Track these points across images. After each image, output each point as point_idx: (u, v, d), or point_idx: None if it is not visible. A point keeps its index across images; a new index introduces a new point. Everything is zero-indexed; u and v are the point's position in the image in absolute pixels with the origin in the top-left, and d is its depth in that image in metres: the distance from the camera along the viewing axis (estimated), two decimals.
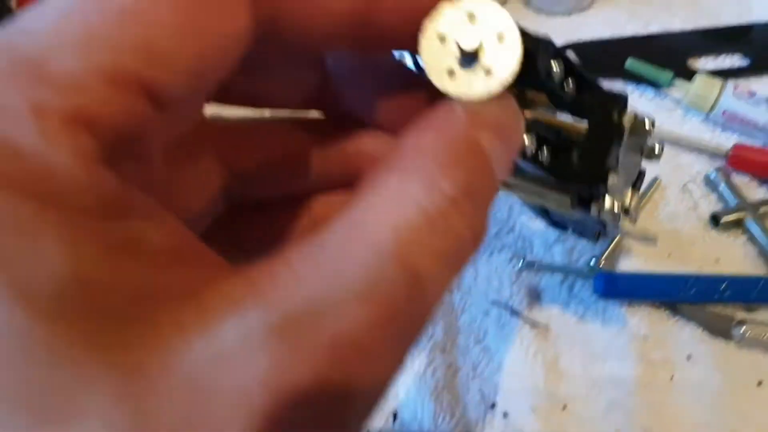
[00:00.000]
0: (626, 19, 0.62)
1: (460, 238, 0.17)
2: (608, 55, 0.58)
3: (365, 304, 0.15)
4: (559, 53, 0.21)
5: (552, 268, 0.46)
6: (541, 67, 0.20)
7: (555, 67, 0.22)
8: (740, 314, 0.45)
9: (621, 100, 0.26)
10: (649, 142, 0.31)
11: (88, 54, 0.15)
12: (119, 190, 0.15)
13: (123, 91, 0.16)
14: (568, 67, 0.23)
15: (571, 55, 0.33)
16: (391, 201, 0.17)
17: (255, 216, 0.25)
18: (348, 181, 0.24)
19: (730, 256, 0.48)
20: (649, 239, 0.42)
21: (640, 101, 0.56)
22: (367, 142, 0.24)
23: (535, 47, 0.19)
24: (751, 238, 0.48)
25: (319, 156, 0.24)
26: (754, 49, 0.60)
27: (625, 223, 0.31)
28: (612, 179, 0.26)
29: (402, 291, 0.16)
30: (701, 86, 0.54)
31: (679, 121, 0.55)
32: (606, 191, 0.27)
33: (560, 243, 0.47)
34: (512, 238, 0.48)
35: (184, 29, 0.16)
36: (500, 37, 0.19)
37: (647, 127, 0.29)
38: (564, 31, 0.61)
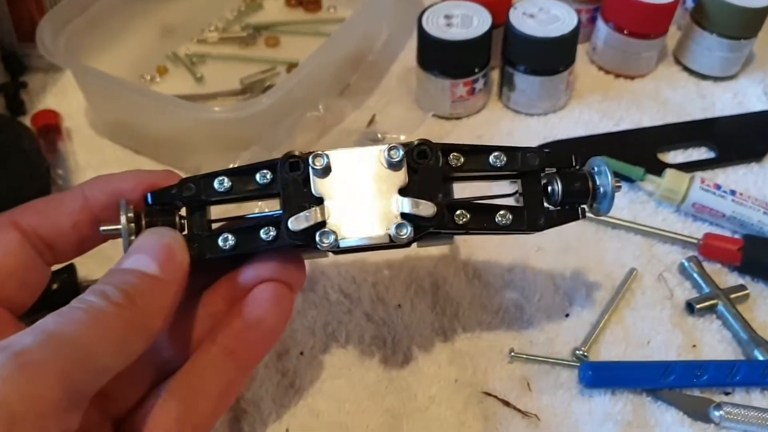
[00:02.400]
0: (599, 118, 0.66)
1: None
2: (583, 152, 0.62)
3: None
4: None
5: (540, 359, 0.49)
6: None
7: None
8: (718, 397, 0.47)
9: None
10: None
11: None
12: None
13: None
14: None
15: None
16: None
17: None
18: None
19: (706, 342, 0.51)
20: None
21: (615, 195, 0.60)
22: None
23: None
24: (725, 323, 0.52)
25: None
26: (718, 141, 0.65)
27: None
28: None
29: None
30: (671, 181, 0.58)
31: (652, 213, 0.59)
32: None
33: (543, 333, 0.50)
34: (503, 329, 0.51)
35: None
36: None
37: None
38: (541, 130, 0.66)
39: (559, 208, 0.41)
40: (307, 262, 0.40)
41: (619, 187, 0.41)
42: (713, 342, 0.51)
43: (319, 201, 0.37)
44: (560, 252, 0.55)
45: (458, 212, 0.38)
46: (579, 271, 0.54)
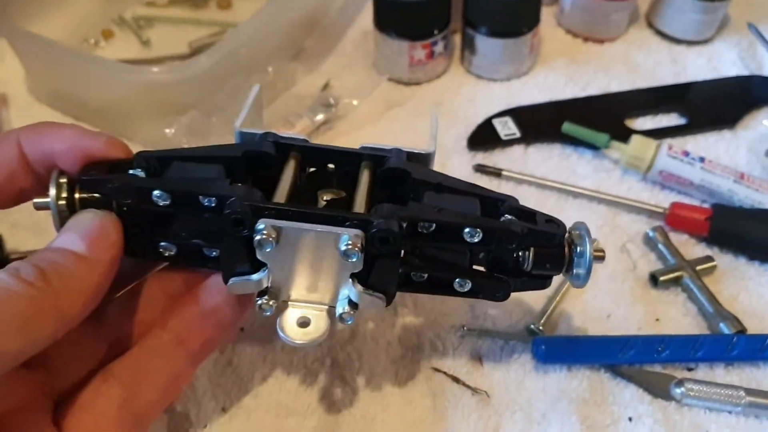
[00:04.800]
0: (564, 83, 0.63)
1: None
2: (546, 119, 0.59)
3: None
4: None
5: (493, 334, 0.46)
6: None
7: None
8: (679, 373, 0.45)
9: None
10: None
11: None
12: None
13: None
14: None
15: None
16: None
17: None
18: None
19: (670, 315, 0.48)
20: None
21: (578, 163, 0.57)
22: None
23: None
24: (690, 296, 0.49)
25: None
26: (690, 107, 0.62)
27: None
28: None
29: None
30: (637, 147, 0.55)
31: (617, 182, 0.56)
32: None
33: (497, 307, 0.47)
34: (456, 303, 0.48)
35: None
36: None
37: None
38: (504, 95, 0.63)
39: (525, 278, 0.38)
40: None
41: (602, 257, 0.37)
42: (677, 316, 0.48)
43: (261, 265, 0.34)
44: None
45: (413, 275, 0.36)
46: None
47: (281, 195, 0.35)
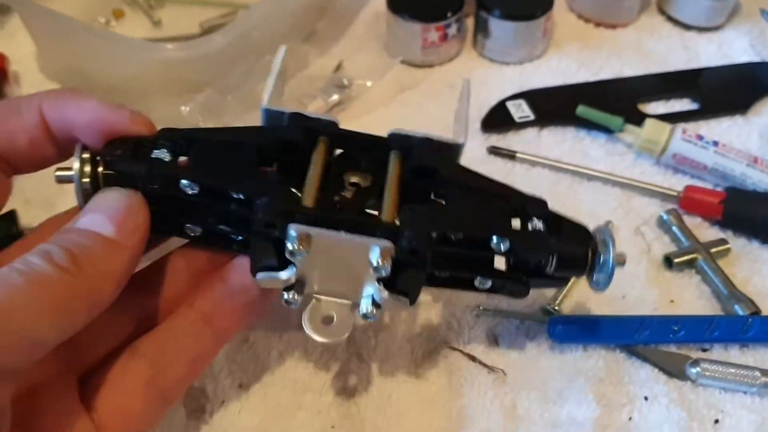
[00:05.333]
0: (577, 68, 0.63)
1: None
2: (560, 103, 0.59)
3: None
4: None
5: (508, 314, 0.46)
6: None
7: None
8: (695, 353, 0.45)
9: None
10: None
11: None
12: None
13: None
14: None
15: None
16: None
17: None
18: None
19: (684, 297, 0.48)
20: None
21: (592, 146, 0.57)
22: None
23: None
24: (705, 278, 0.49)
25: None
26: (702, 92, 0.62)
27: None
28: None
29: None
30: (651, 131, 0.55)
31: (630, 165, 0.56)
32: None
33: None
34: None
35: None
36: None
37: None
38: (516, 79, 0.63)
39: (545, 279, 0.38)
40: None
41: (623, 262, 0.38)
42: (692, 298, 0.48)
43: (289, 262, 0.33)
44: None
45: (436, 272, 0.37)
46: None
47: (311, 182, 0.35)
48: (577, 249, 0.37)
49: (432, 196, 0.38)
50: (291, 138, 0.36)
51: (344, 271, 0.34)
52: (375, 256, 0.32)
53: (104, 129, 0.34)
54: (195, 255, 0.37)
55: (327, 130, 0.37)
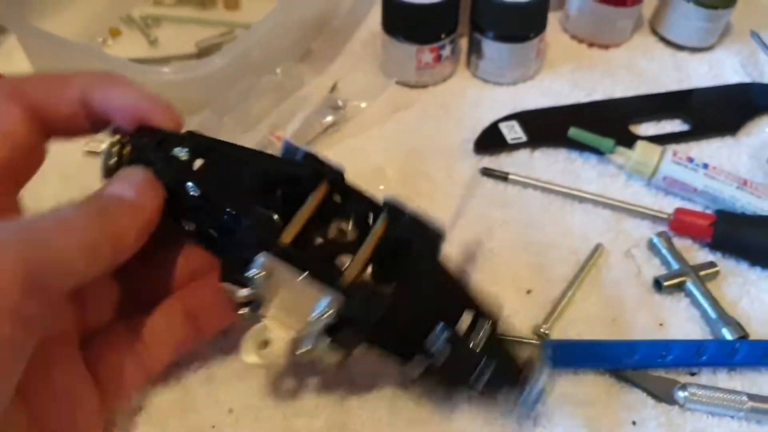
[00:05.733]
0: (570, 88, 0.64)
1: None
2: (552, 124, 0.60)
3: None
4: None
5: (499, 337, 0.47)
6: None
7: None
8: (683, 378, 0.45)
9: None
10: None
11: None
12: None
13: None
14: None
15: None
16: None
17: None
18: None
19: (673, 320, 0.49)
20: None
21: (583, 168, 0.58)
22: None
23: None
24: (693, 301, 0.50)
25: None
26: (693, 113, 0.63)
27: None
28: None
29: None
30: (642, 153, 0.56)
31: (622, 187, 0.57)
32: None
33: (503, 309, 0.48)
34: None
35: None
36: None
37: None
38: (509, 100, 0.63)
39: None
40: None
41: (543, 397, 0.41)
42: (681, 321, 0.49)
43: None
44: (524, 226, 0.53)
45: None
46: (543, 246, 0.52)
47: (298, 219, 0.37)
48: (503, 379, 0.40)
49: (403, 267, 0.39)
50: (298, 174, 0.38)
51: (297, 307, 0.36)
52: (323, 305, 0.35)
53: (137, 116, 0.38)
54: (196, 254, 0.41)
55: (331, 177, 0.39)
